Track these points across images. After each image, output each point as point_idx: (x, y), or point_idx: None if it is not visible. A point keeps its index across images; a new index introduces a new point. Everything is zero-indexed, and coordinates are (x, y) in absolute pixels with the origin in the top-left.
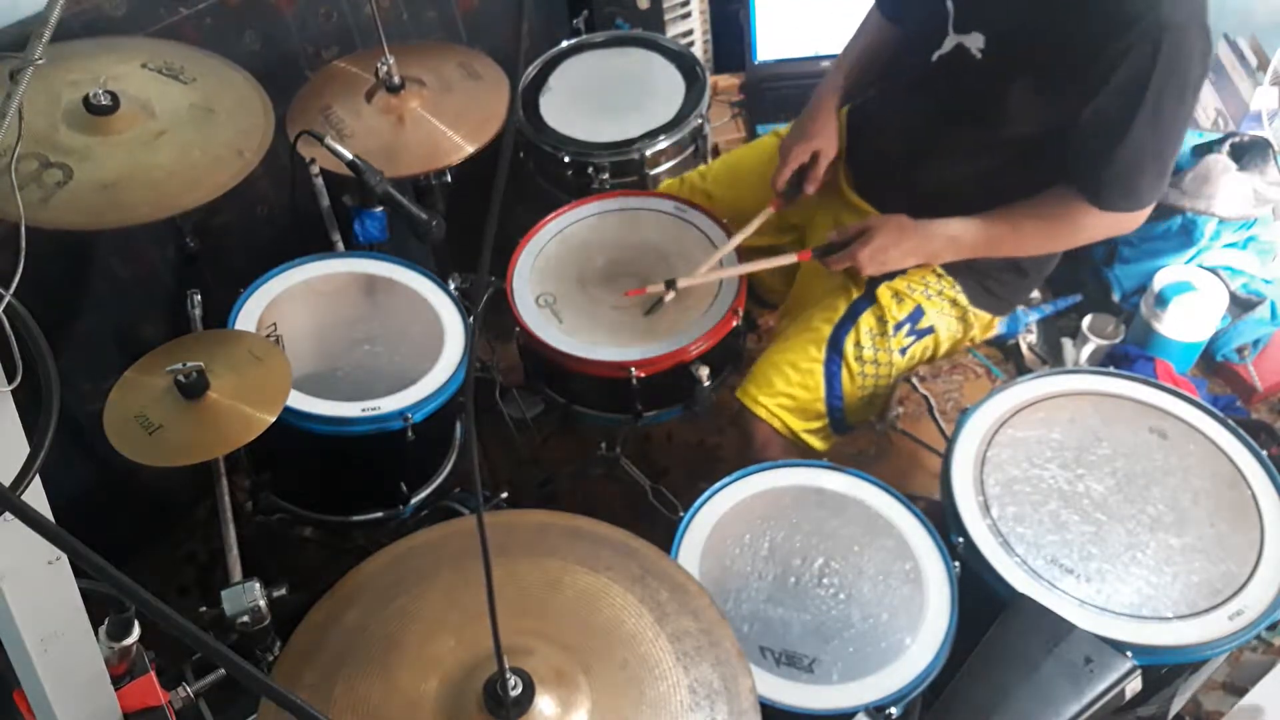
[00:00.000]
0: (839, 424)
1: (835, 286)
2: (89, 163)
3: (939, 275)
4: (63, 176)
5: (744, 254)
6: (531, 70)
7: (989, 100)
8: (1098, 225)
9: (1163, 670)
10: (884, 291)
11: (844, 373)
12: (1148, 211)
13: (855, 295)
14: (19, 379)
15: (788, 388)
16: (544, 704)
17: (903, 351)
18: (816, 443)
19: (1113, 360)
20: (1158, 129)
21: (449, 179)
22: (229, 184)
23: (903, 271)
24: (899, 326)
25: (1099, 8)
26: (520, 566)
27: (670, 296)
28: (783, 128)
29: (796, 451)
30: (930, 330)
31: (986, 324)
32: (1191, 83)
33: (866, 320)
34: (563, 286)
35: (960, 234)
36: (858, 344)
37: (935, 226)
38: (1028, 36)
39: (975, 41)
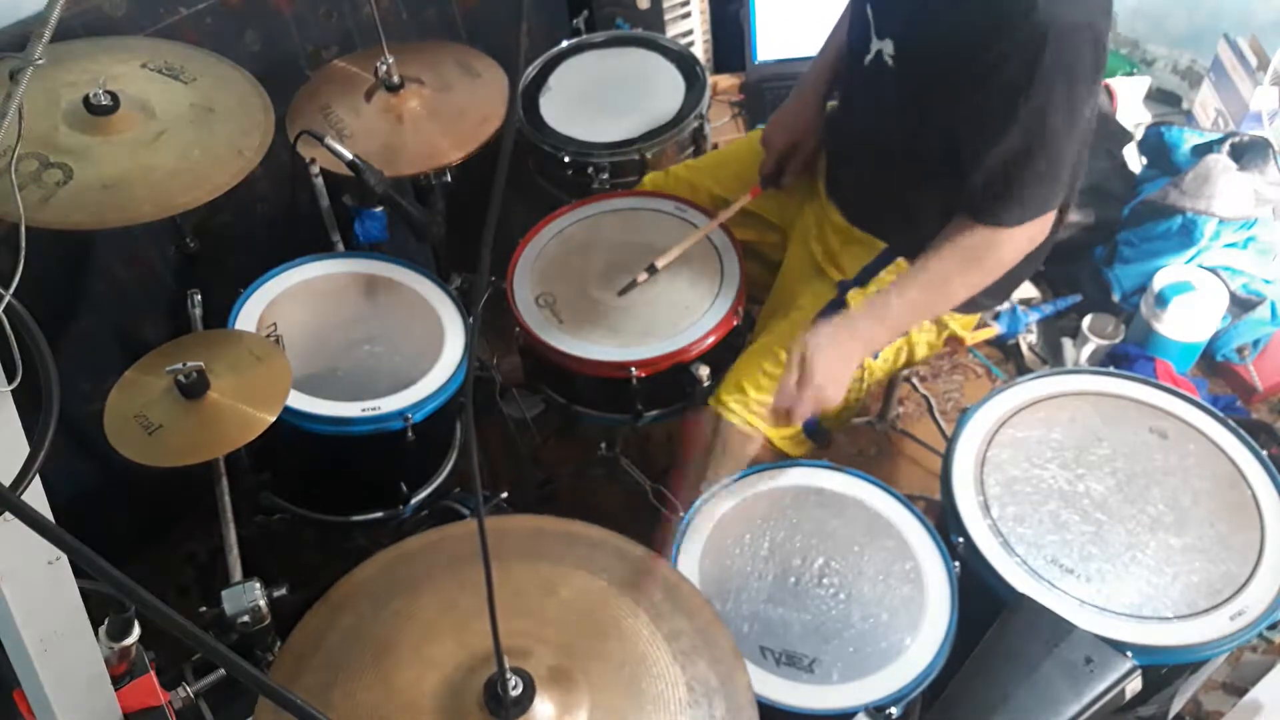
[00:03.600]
0: (812, 430)
1: (810, 292)
2: (89, 163)
3: None
4: (63, 176)
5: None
6: (531, 70)
7: (904, 108)
8: (1003, 243)
9: (1163, 670)
10: (855, 295)
11: None
12: (1048, 219)
13: (827, 300)
14: (19, 379)
15: (759, 394)
16: (544, 704)
17: (875, 354)
18: (791, 449)
19: (1113, 360)
20: (1038, 137)
21: (449, 179)
22: (229, 184)
23: (875, 274)
24: None
25: (979, 13)
26: (515, 570)
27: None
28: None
29: (772, 456)
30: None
31: (964, 323)
32: (1079, 87)
33: None
34: (563, 286)
35: (890, 312)
36: None
37: (864, 317)
38: (927, 45)
39: (888, 48)
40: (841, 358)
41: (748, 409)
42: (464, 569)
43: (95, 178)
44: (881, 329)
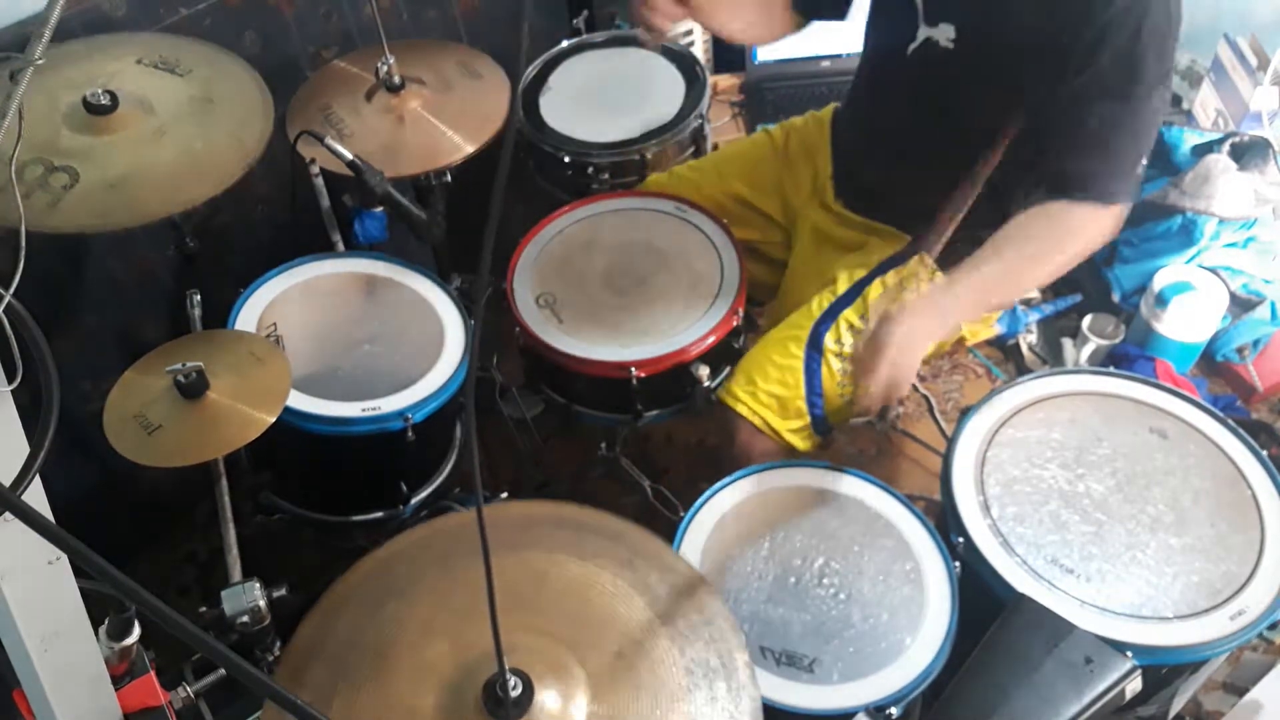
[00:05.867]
0: (820, 424)
1: (820, 286)
2: (93, 163)
3: (932, 272)
4: (69, 180)
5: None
6: (531, 70)
7: (959, 93)
8: (1100, 219)
9: (1163, 670)
10: (875, 287)
11: (824, 369)
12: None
13: (839, 292)
14: (19, 379)
15: (767, 384)
16: (544, 700)
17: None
18: (799, 442)
19: (1113, 360)
20: (1136, 104)
21: (449, 179)
22: (234, 174)
23: (901, 262)
24: None
25: None
26: (506, 562)
27: None
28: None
29: (779, 451)
30: None
31: (973, 330)
32: (1171, 34)
33: (848, 316)
34: (563, 286)
35: (975, 283)
36: (838, 340)
37: (948, 289)
38: (998, 26)
39: (945, 33)
40: (922, 321)
41: (756, 400)
42: (457, 565)
43: (100, 178)
44: (962, 307)
